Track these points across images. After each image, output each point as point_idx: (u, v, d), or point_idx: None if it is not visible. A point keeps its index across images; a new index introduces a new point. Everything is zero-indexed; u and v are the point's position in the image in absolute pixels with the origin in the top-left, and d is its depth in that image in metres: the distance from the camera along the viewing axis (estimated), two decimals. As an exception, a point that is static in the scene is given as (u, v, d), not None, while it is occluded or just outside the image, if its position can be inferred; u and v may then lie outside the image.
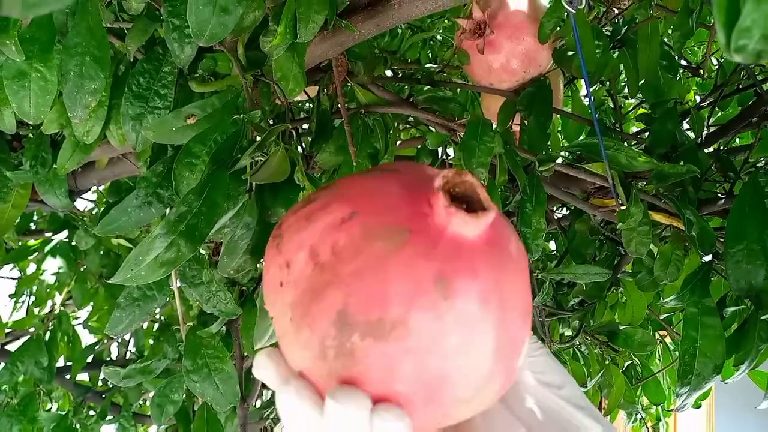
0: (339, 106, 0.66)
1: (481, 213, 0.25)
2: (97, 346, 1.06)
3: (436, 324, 0.24)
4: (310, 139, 0.72)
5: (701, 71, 0.83)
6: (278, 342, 0.27)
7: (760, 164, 0.77)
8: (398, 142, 0.95)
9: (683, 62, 0.98)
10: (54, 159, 0.76)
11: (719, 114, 0.82)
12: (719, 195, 0.70)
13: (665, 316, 0.83)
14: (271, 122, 0.73)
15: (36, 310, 1.18)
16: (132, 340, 1.17)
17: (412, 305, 0.23)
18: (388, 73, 1.03)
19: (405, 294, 0.24)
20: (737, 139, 0.89)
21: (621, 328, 0.75)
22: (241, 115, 0.56)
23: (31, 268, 1.30)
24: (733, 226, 0.59)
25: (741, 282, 0.60)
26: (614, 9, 0.85)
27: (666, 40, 0.87)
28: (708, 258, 0.63)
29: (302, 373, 0.26)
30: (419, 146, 0.89)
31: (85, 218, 0.95)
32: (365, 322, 0.23)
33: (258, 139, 0.57)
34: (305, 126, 0.75)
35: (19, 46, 0.48)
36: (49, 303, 1.21)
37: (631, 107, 1.05)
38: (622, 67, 0.84)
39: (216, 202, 0.48)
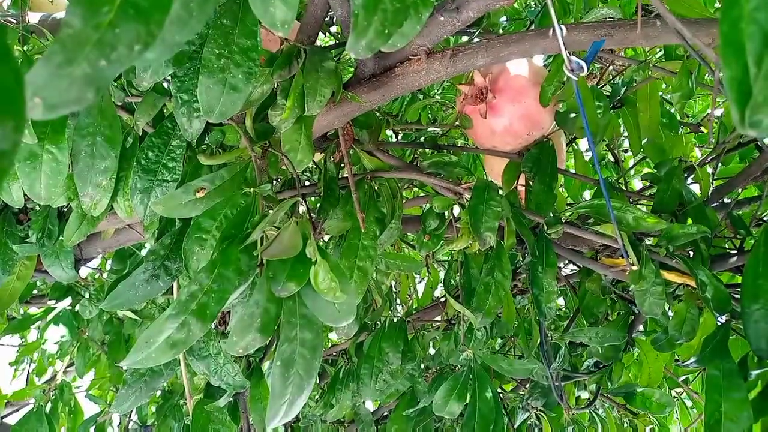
0: (345, 172, 0.67)
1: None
2: (99, 417, 1.03)
3: None
4: (314, 199, 0.71)
5: (702, 128, 0.84)
6: None
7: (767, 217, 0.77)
8: (404, 201, 0.95)
9: (684, 114, 0.99)
10: (60, 231, 0.76)
11: (721, 167, 0.82)
12: (730, 251, 0.69)
13: (683, 378, 0.81)
14: (278, 182, 0.73)
15: (36, 379, 1.15)
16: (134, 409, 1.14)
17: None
18: (389, 132, 1.04)
19: None
20: (741, 189, 0.89)
21: (638, 390, 0.73)
22: (251, 189, 0.56)
23: (32, 334, 1.28)
24: (748, 285, 0.58)
25: (760, 342, 0.58)
26: (612, 67, 0.87)
27: (664, 94, 0.88)
28: (724, 318, 0.62)
29: None
30: (425, 205, 0.89)
31: (89, 287, 0.94)
32: None
33: (268, 209, 0.57)
34: (313, 188, 0.75)
35: (32, 129, 0.49)
36: (50, 369, 1.18)
37: (632, 161, 1.05)
38: (621, 122, 0.85)
39: (227, 278, 0.48)
